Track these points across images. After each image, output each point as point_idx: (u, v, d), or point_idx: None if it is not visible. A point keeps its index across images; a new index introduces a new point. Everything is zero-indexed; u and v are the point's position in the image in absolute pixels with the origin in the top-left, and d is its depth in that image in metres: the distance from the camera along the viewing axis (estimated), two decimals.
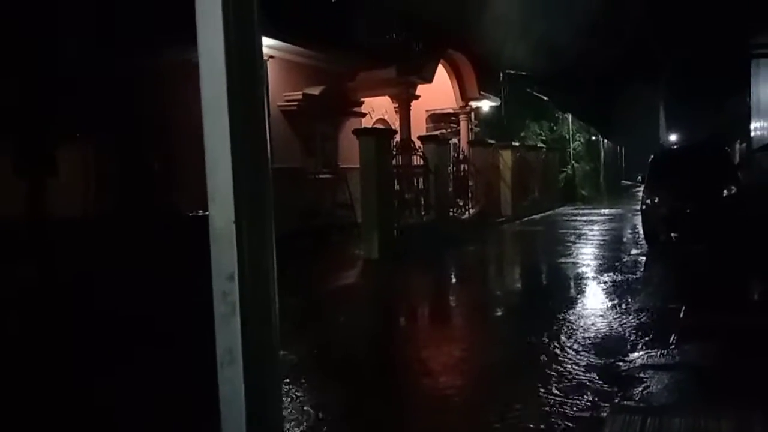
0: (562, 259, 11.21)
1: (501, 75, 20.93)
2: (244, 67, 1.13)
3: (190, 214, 10.79)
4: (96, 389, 4.80)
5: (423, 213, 13.68)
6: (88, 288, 7.53)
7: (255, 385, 1.13)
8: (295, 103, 13.57)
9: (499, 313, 7.80)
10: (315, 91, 13.77)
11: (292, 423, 4.09)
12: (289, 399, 4.48)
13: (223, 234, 1.11)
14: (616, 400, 4.33)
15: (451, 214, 14.99)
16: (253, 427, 1.10)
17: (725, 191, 11.40)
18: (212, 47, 1.08)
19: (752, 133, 16.24)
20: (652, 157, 13.70)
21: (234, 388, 1.11)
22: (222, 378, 1.12)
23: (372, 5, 15.17)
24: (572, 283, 9.10)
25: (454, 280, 10.71)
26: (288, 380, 4.83)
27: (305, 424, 4.13)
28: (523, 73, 15.76)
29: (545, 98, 24.02)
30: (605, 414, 4.09)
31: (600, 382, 4.72)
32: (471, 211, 16.26)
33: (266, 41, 12.57)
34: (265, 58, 12.93)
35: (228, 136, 1.10)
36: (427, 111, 19.75)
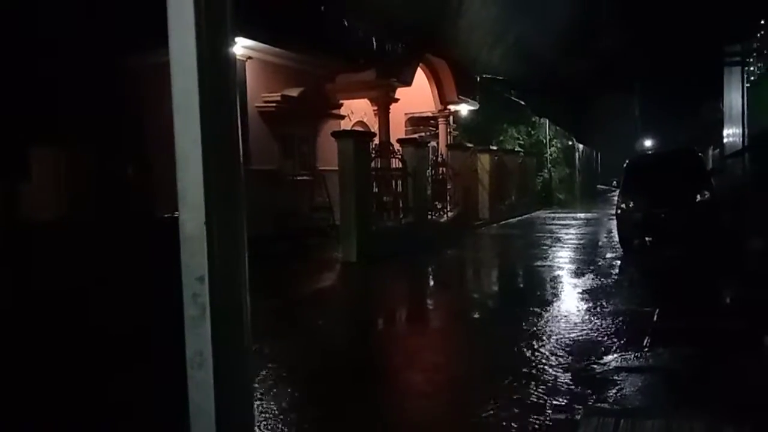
0: (539, 263, 11.30)
1: (479, 79, 21.06)
2: (216, 70, 1.12)
3: (167, 216, 10.68)
4: (68, 395, 4.71)
5: (401, 216, 13.69)
6: (59, 293, 7.39)
7: (225, 389, 1.11)
8: (274, 104, 13.51)
9: (476, 316, 7.83)
10: (294, 92, 13.72)
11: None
12: (261, 409, 4.45)
13: (194, 236, 1.09)
14: (590, 402, 4.37)
15: (429, 217, 15.02)
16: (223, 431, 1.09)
17: (698, 196, 11.59)
18: (183, 49, 1.07)
19: (725, 140, 16.52)
20: (627, 162, 13.89)
21: (204, 391, 1.09)
22: (192, 381, 1.10)
23: (352, 8, 15.17)
24: (548, 287, 9.16)
25: (432, 284, 10.73)
26: (260, 389, 4.80)
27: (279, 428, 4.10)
28: (500, 78, 15.90)
29: (522, 103, 24.24)
30: (579, 416, 4.13)
31: (574, 384, 4.76)
32: (449, 214, 16.32)
33: (244, 42, 12.51)
34: (243, 59, 12.90)
35: (199, 139, 1.08)
36: (406, 114, 19.79)
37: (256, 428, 3.99)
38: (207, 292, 1.10)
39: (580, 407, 4.27)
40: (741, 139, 14.30)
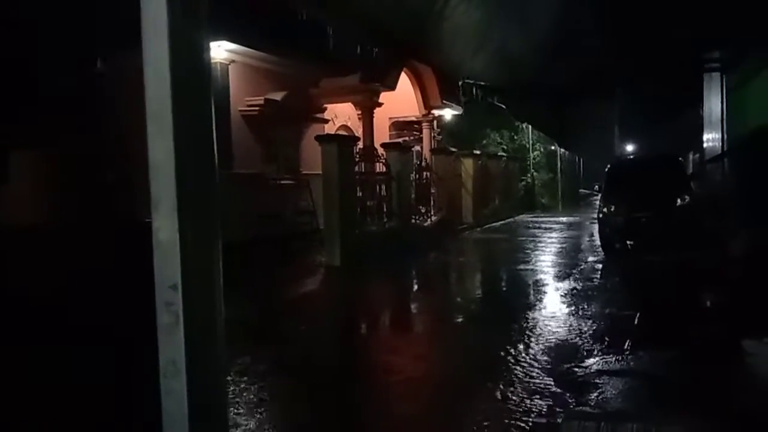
0: (522, 266, 11.36)
1: (462, 84, 21.17)
2: (191, 75, 1.11)
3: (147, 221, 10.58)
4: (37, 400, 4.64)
5: (385, 220, 13.69)
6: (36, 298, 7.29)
7: (199, 398, 1.09)
8: (257, 108, 13.47)
9: (459, 320, 7.84)
10: (277, 96, 13.69)
11: None
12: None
13: (167, 244, 1.08)
14: (572, 406, 4.39)
15: (413, 221, 15.04)
16: None
17: (679, 200, 11.73)
18: (157, 55, 1.06)
19: (705, 145, 16.72)
20: (608, 167, 14.01)
21: (177, 400, 1.08)
22: (165, 390, 1.09)
23: (335, 12, 15.17)
24: (531, 290, 9.21)
25: (415, 288, 10.73)
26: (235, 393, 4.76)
27: None
28: (482, 83, 16.01)
29: (504, 107, 24.35)
30: (560, 420, 4.14)
31: (556, 387, 4.78)
32: (433, 218, 16.35)
33: (227, 46, 12.46)
34: (226, 62, 12.85)
35: (172, 145, 1.07)
36: (390, 118, 19.81)
37: None
38: (180, 300, 1.08)
39: (562, 410, 4.29)
40: (720, 144, 14.48)
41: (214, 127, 1.19)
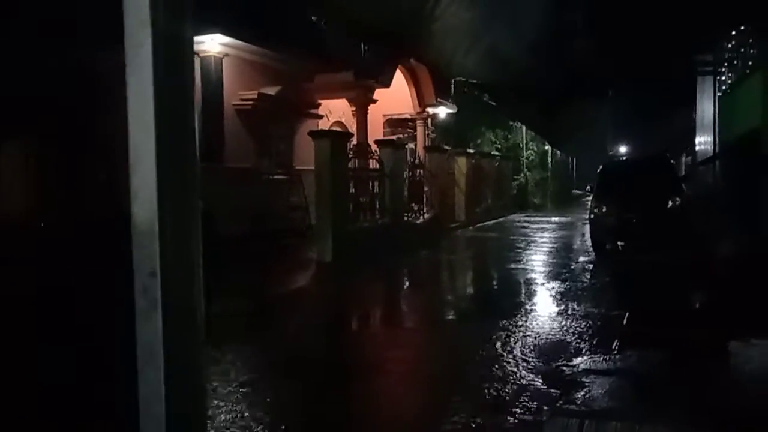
0: (513, 265, 11.39)
1: (456, 82, 21.19)
2: (172, 63, 1.11)
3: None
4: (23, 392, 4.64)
5: (377, 217, 13.70)
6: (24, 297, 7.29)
7: (177, 386, 1.10)
8: (251, 102, 13.44)
9: (448, 318, 7.86)
10: (271, 91, 13.66)
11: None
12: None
13: (145, 232, 1.08)
14: (558, 404, 4.42)
15: (405, 218, 15.05)
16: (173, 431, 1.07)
17: (670, 202, 11.79)
18: (138, 42, 1.06)
19: (697, 147, 16.83)
20: (600, 167, 14.07)
21: (154, 388, 1.08)
22: (142, 378, 1.09)
23: (332, 9, 15.15)
24: (522, 289, 9.24)
25: (406, 285, 10.75)
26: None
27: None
28: (474, 81, 16.05)
29: (493, 104, 24.41)
30: (545, 418, 4.17)
31: (544, 385, 4.81)
32: (425, 216, 16.37)
33: (221, 39, 12.42)
34: (219, 56, 12.81)
35: (153, 133, 1.07)
36: (384, 115, 19.82)
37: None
38: (158, 286, 1.09)
39: (548, 408, 4.32)
40: (712, 146, 14.57)
41: (195, 119, 1.19)
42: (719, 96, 14.09)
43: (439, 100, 19.56)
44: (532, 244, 14.53)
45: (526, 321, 6.99)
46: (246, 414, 4.27)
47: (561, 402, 4.45)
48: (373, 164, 13.83)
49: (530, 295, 8.87)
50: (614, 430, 3.88)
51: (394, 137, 18.65)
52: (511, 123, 27.69)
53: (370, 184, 13.66)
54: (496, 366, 5.32)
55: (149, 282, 1.07)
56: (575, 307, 7.68)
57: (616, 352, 5.66)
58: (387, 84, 16.53)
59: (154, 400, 1.08)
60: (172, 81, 1.10)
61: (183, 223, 1.13)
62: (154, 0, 1.05)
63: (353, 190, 12.93)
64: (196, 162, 1.17)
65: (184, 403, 1.12)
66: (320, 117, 15.98)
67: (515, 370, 5.19)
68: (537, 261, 12.03)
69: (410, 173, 16.08)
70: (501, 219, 21.57)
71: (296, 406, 4.65)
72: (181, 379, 1.11)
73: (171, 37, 1.10)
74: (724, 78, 13.77)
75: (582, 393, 4.62)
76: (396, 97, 18.28)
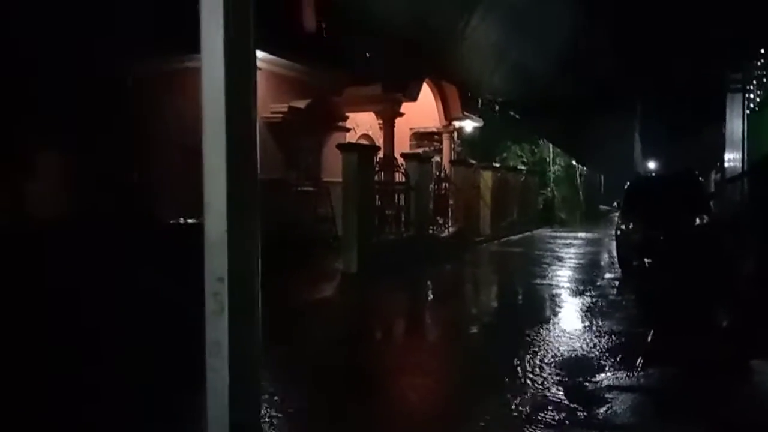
0: (538, 280, 11.40)
1: (482, 97, 21.28)
2: (241, 90, 1.26)
3: (172, 222, 10.84)
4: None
5: (403, 229, 13.81)
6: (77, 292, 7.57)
7: (238, 375, 1.25)
8: (281, 115, 13.69)
9: (473, 331, 7.92)
10: (301, 104, 13.90)
11: None
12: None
13: (216, 242, 1.23)
14: (581, 418, 4.47)
15: (430, 231, 15.14)
16: (235, 412, 1.23)
17: (697, 220, 11.70)
18: (214, 63, 1.21)
19: (726, 164, 16.65)
20: (627, 184, 14.01)
21: (220, 376, 1.24)
22: (209, 367, 1.25)
23: (360, 23, 15.40)
24: (547, 305, 9.26)
25: (430, 297, 10.82)
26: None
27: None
28: (500, 99, 16.15)
29: (518, 117, 24.39)
30: None
31: (566, 400, 4.86)
32: (450, 229, 16.43)
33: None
34: None
35: (224, 151, 1.22)
36: (411, 129, 19.98)
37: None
38: (226, 291, 1.23)
39: (570, 423, 4.37)
40: (741, 164, 14.43)
41: (258, 137, 1.34)
42: (749, 113, 13.98)
43: (465, 113, 19.65)
44: (558, 260, 14.49)
45: (551, 336, 7.04)
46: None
47: (584, 417, 4.51)
48: (399, 177, 13.97)
49: (555, 310, 8.89)
50: None
51: (420, 150, 18.78)
52: (538, 137, 27.65)
53: (396, 196, 13.79)
54: (520, 379, 5.39)
55: (218, 287, 1.22)
56: (600, 323, 7.70)
57: (639, 369, 5.69)
58: (414, 97, 16.70)
59: (219, 387, 1.24)
60: (242, 101, 1.25)
61: (248, 234, 1.28)
62: (227, 28, 1.19)
63: (379, 202, 13.08)
64: (257, 175, 1.32)
65: (244, 389, 1.28)
66: (348, 130, 16.18)
67: (538, 384, 5.25)
68: (562, 276, 12.02)
69: (436, 186, 16.18)
70: (526, 234, 21.51)
71: (323, 411, 4.77)
72: (242, 369, 1.27)
73: (239, 60, 1.23)
74: (752, 96, 13.68)
75: (604, 409, 4.67)
76: (423, 110, 18.44)
